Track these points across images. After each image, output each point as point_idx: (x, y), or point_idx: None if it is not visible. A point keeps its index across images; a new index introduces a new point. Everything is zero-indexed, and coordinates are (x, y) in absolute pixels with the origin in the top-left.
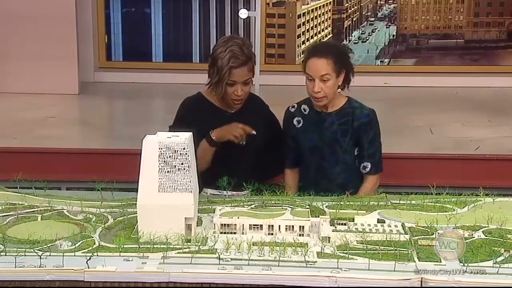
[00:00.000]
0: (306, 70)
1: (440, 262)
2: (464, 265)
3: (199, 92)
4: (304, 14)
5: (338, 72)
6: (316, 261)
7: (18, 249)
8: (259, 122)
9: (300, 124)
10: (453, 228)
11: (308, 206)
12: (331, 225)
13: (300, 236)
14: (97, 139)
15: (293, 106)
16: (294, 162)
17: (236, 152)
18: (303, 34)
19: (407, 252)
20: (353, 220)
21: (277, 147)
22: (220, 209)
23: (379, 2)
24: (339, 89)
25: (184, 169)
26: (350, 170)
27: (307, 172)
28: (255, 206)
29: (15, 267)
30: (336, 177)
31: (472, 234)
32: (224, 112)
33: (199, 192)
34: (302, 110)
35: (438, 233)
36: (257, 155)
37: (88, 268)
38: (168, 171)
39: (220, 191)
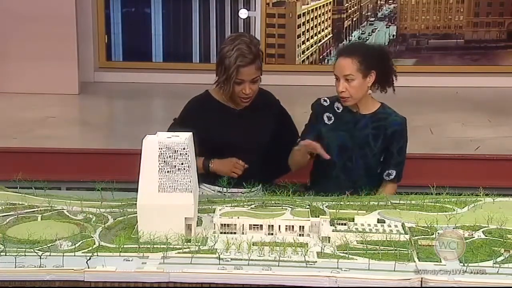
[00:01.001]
0: (334, 70)
1: (440, 262)
2: (464, 265)
3: (206, 91)
4: (304, 14)
5: (365, 72)
6: (316, 261)
7: (18, 249)
8: (268, 119)
9: (331, 121)
10: (453, 228)
11: (308, 206)
12: (331, 225)
13: (300, 236)
14: (97, 139)
15: (325, 100)
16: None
17: (245, 149)
18: (303, 34)
19: (407, 252)
20: (353, 220)
21: (287, 143)
22: (220, 209)
23: (379, 2)
24: (370, 91)
25: (184, 169)
26: (372, 176)
27: (331, 170)
28: (255, 206)
29: (15, 267)
30: (359, 179)
31: (472, 234)
32: (231, 109)
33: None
34: (336, 108)
35: (438, 233)
36: (266, 151)
37: (88, 268)
38: (168, 171)
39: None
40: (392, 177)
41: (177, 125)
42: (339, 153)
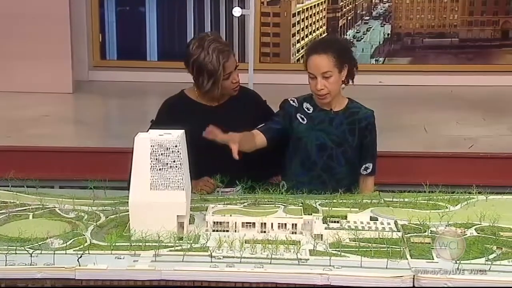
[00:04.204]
0: (307, 68)
1: (433, 259)
2: (456, 263)
3: (181, 90)
4: (298, 12)
5: (340, 67)
6: (308, 259)
7: (9, 247)
8: (246, 115)
9: (305, 122)
10: (446, 226)
11: (301, 204)
12: (323, 223)
13: (292, 234)
14: (91, 138)
15: (293, 100)
16: (271, 133)
17: (226, 146)
18: (297, 33)
19: (399, 249)
20: (345, 217)
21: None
22: (212, 207)
23: (373, 1)
24: (343, 85)
25: (176, 166)
26: (354, 173)
27: (313, 170)
28: (247, 204)
29: (6, 265)
30: (344, 177)
31: (464, 232)
32: (206, 107)
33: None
34: (305, 109)
35: (430, 230)
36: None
37: (79, 266)
38: (160, 169)
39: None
40: (369, 170)
41: (153, 127)
42: (318, 152)
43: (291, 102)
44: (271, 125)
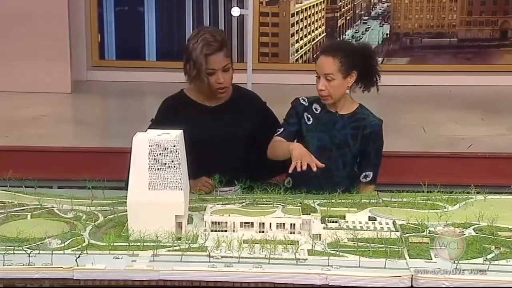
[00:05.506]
0: (315, 67)
1: (431, 259)
2: (454, 263)
3: (181, 90)
4: (297, 12)
5: (346, 73)
6: (306, 259)
7: (7, 247)
8: (246, 115)
9: (310, 122)
10: (444, 226)
11: (300, 204)
12: (322, 223)
13: (291, 234)
14: (90, 138)
15: (303, 99)
16: (292, 137)
17: (223, 145)
18: (296, 33)
19: (398, 249)
20: (344, 217)
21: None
22: (211, 207)
23: (372, 0)
24: (348, 91)
25: (174, 166)
26: (352, 178)
27: (310, 171)
28: (246, 204)
29: (4, 265)
30: (341, 180)
31: (463, 232)
32: (206, 107)
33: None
34: (314, 110)
35: (429, 230)
36: (249, 149)
37: (78, 266)
38: (158, 169)
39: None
40: (369, 179)
41: (152, 126)
42: (318, 153)
43: (301, 101)
44: (289, 128)
